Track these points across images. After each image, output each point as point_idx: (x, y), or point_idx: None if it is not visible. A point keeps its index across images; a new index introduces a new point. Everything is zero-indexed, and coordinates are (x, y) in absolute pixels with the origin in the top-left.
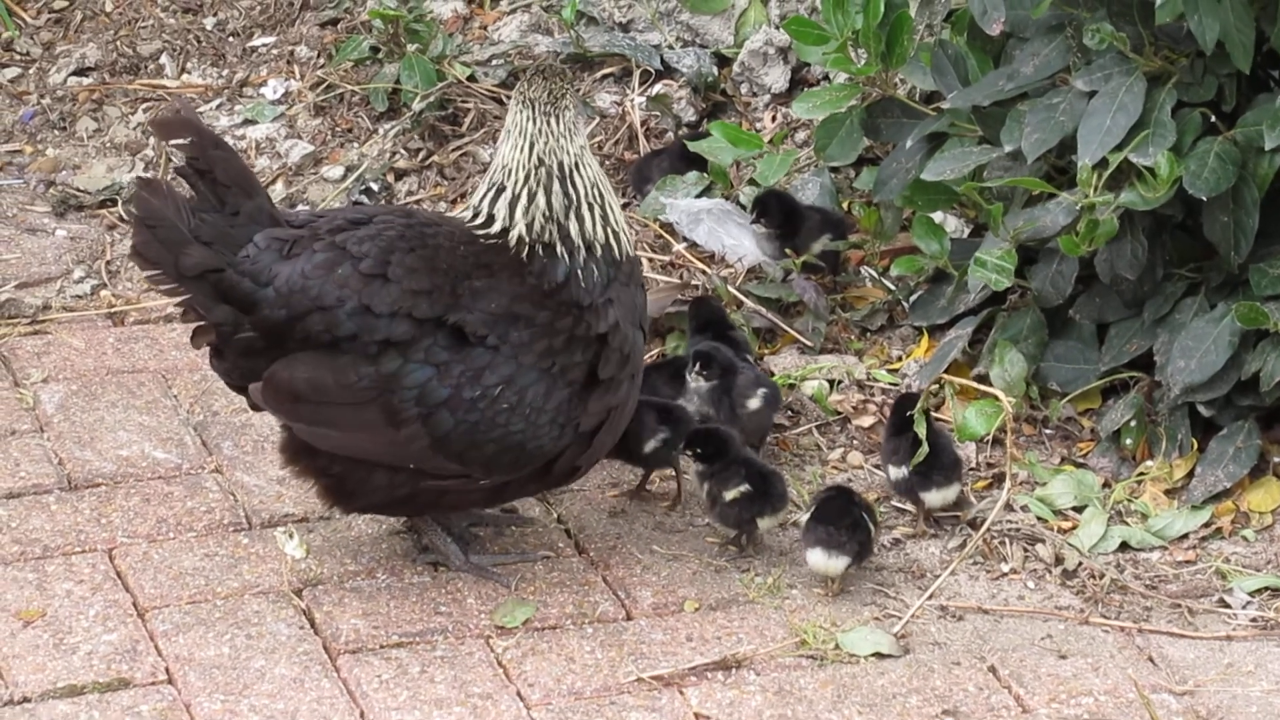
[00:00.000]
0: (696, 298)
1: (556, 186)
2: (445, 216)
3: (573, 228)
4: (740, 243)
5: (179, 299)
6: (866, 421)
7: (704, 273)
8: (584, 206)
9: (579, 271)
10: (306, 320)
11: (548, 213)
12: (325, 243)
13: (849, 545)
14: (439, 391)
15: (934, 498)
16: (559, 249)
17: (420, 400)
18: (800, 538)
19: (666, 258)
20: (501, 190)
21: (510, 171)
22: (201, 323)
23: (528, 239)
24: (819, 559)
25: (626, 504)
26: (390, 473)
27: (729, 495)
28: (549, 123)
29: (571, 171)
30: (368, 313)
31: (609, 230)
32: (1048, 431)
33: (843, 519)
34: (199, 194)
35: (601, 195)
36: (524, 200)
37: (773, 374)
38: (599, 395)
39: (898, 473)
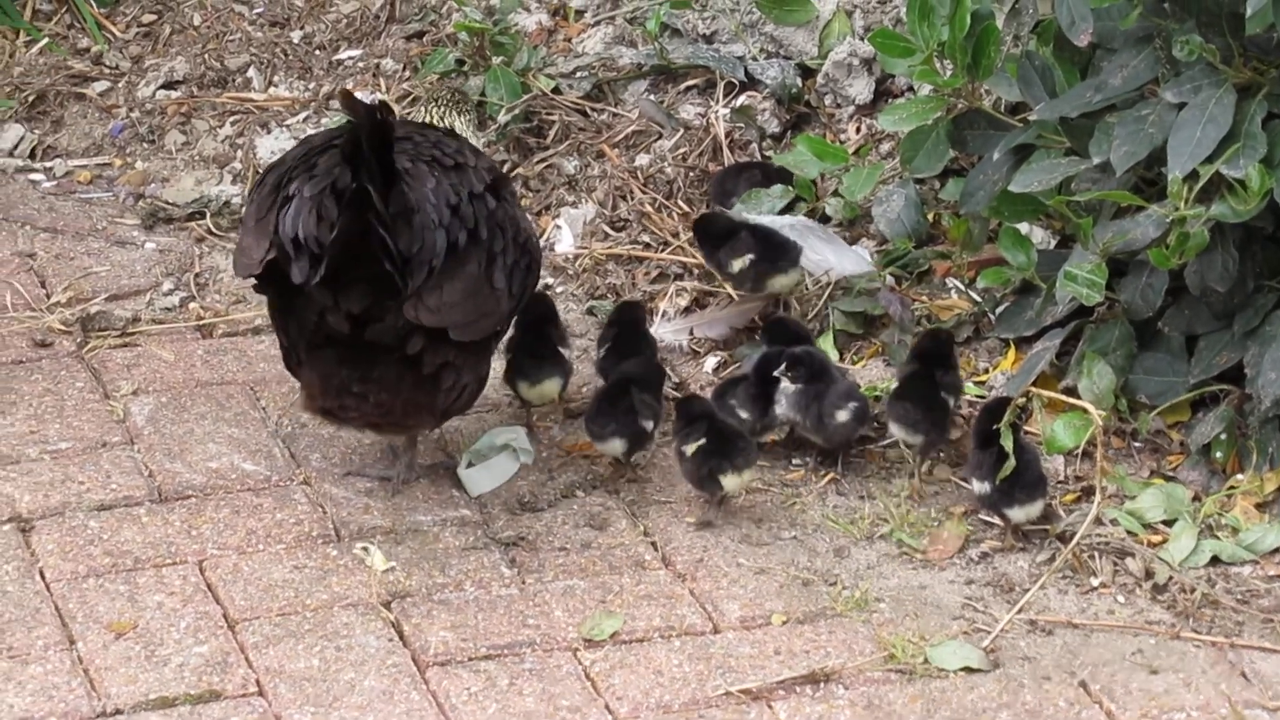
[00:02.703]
0: (774, 317)
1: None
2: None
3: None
4: (824, 257)
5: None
6: (953, 434)
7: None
8: None
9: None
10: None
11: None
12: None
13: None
14: (510, 253)
15: (1018, 514)
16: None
17: (504, 266)
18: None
19: None
20: None
21: None
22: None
23: None
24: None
25: (714, 515)
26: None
27: (688, 450)
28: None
29: None
30: (473, 198)
31: None
32: (1137, 444)
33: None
34: None
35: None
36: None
37: (859, 386)
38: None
39: (982, 487)
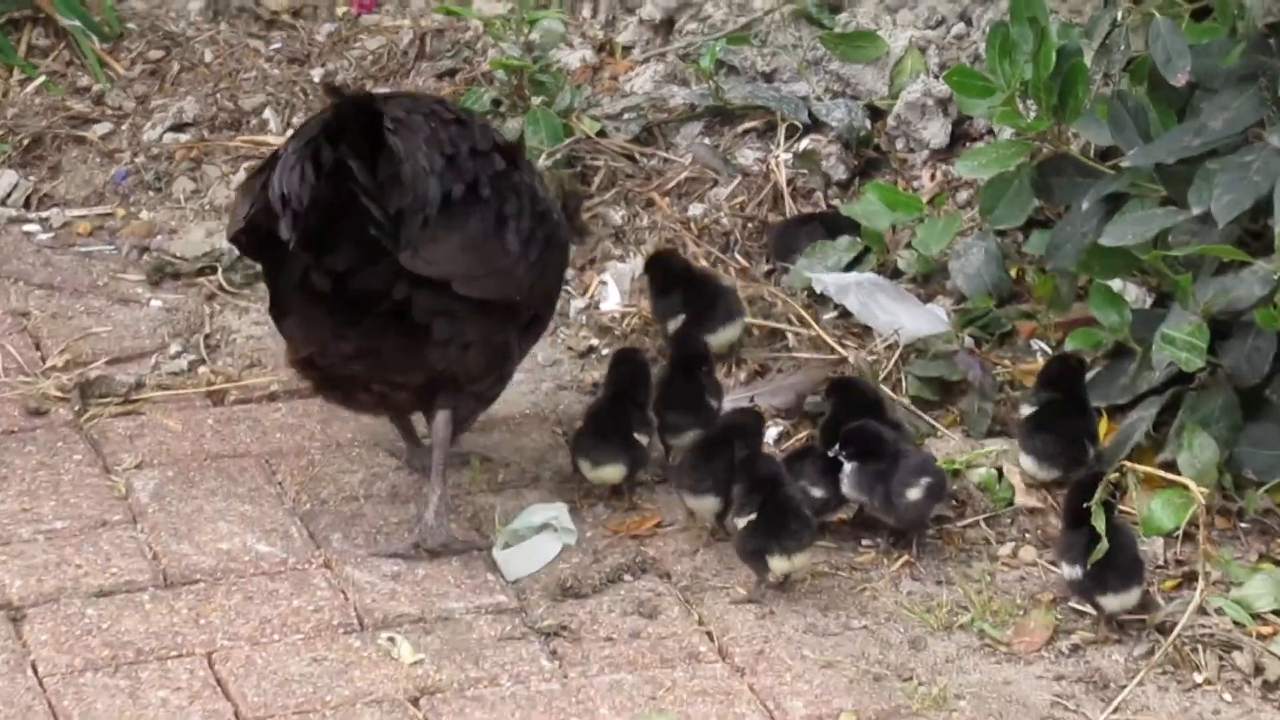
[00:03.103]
0: (838, 379)
1: None
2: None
3: None
4: (895, 317)
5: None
6: (1040, 513)
7: (849, 346)
8: None
9: None
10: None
11: None
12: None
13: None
14: (525, 219)
15: (1113, 602)
16: None
17: (518, 230)
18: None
19: (812, 332)
20: None
21: None
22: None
23: None
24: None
25: (774, 603)
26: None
27: (739, 523)
28: None
29: None
30: (475, 154)
31: None
32: (1243, 525)
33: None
34: None
35: None
36: None
37: (934, 459)
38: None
39: (1073, 572)
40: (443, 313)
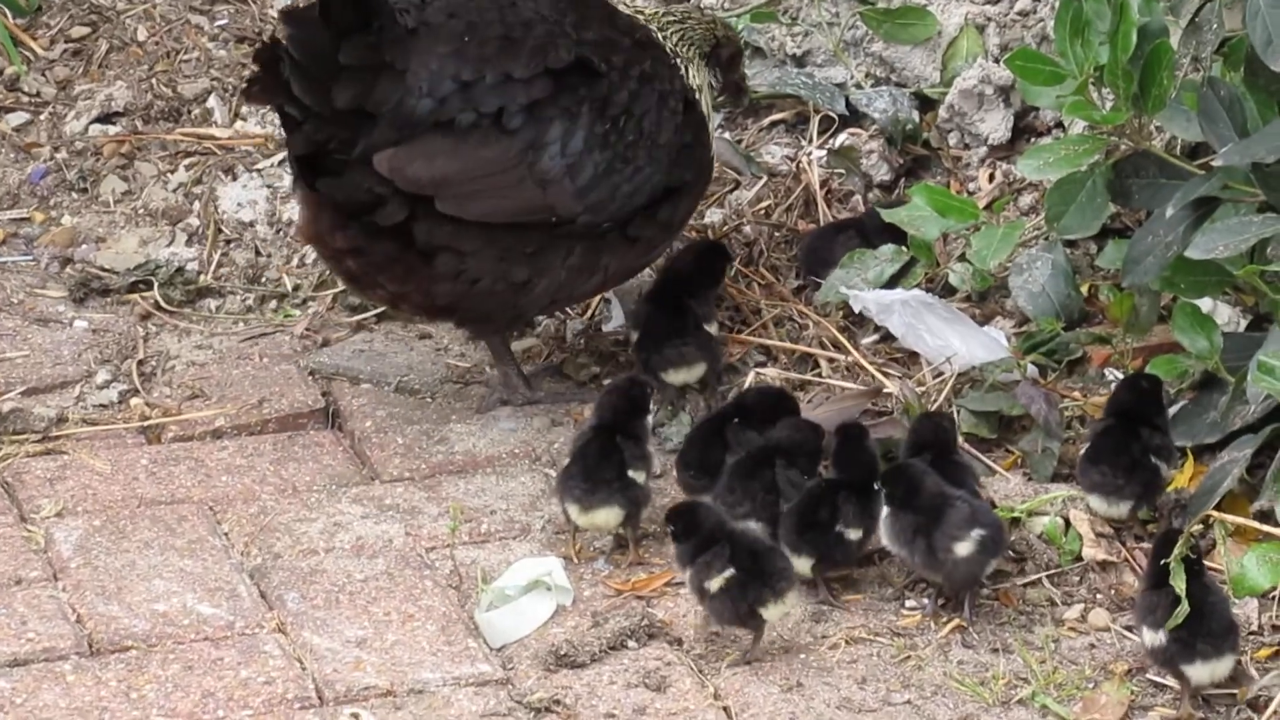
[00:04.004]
0: (923, 414)
1: None
2: None
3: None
4: (946, 341)
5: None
6: (1113, 569)
7: (892, 375)
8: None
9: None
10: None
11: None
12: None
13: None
14: (575, 141)
15: (1199, 672)
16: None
17: (563, 153)
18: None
19: (849, 358)
20: None
21: None
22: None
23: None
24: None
25: (803, 673)
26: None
27: (713, 585)
28: None
29: None
30: (509, 80)
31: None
32: None
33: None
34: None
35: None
36: None
37: (993, 505)
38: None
39: (1154, 638)
40: (428, 224)
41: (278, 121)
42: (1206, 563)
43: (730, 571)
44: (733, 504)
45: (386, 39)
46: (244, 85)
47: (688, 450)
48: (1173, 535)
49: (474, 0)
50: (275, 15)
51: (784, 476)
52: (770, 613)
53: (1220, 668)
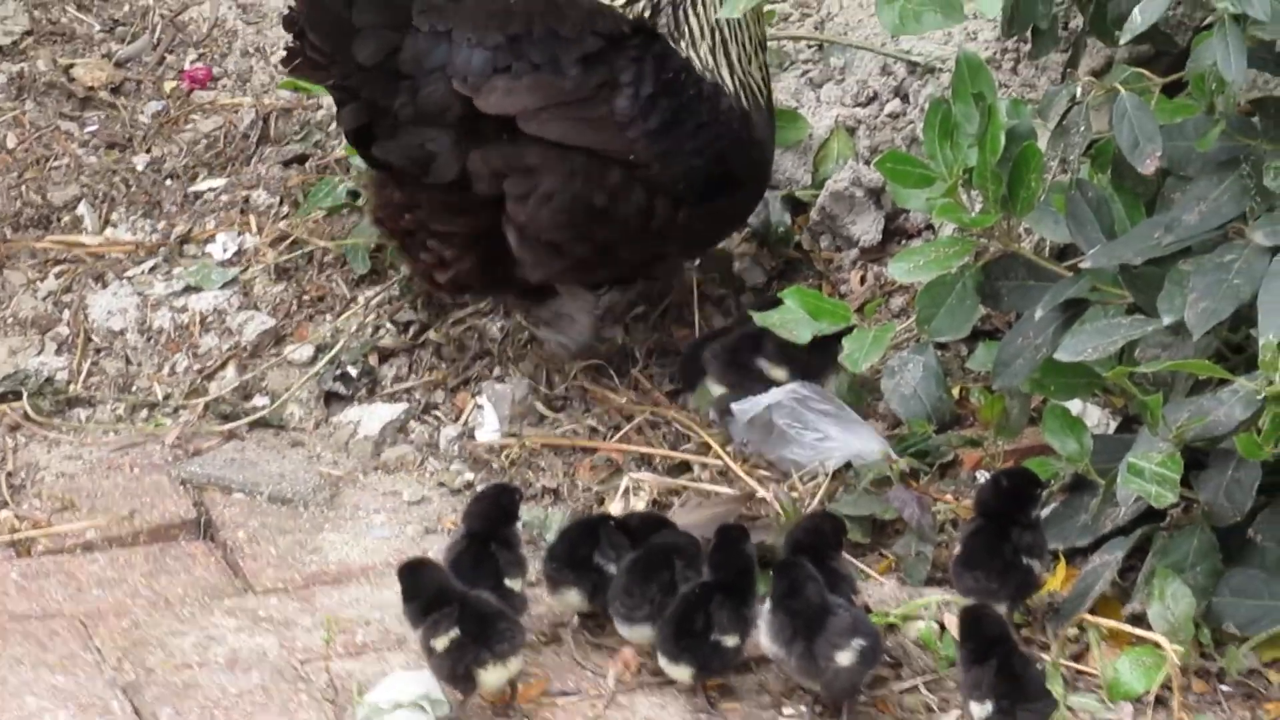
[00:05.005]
0: (809, 515)
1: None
2: None
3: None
4: (826, 435)
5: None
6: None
7: (767, 479)
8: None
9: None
10: (501, 60)
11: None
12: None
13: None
14: (645, 85)
15: None
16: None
17: (637, 95)
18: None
19: (720, 463)
20: None
21: None
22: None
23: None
24: None
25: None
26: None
27: (438, 645)
28: None
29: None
30: (557, 38)
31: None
32: (1225, 688)
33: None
34: None
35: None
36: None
37: (868, 609)
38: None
39: (981, 710)
40: (499, 172)
41: (147, 228)
42: (1081, 667)
43: (455, 632)
44: (631, 607)
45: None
46: (284, 56)
47: (557, 543)
48: (977, 612)
49: None
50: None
51: (683, 577)
52: (488, 675)
53: None
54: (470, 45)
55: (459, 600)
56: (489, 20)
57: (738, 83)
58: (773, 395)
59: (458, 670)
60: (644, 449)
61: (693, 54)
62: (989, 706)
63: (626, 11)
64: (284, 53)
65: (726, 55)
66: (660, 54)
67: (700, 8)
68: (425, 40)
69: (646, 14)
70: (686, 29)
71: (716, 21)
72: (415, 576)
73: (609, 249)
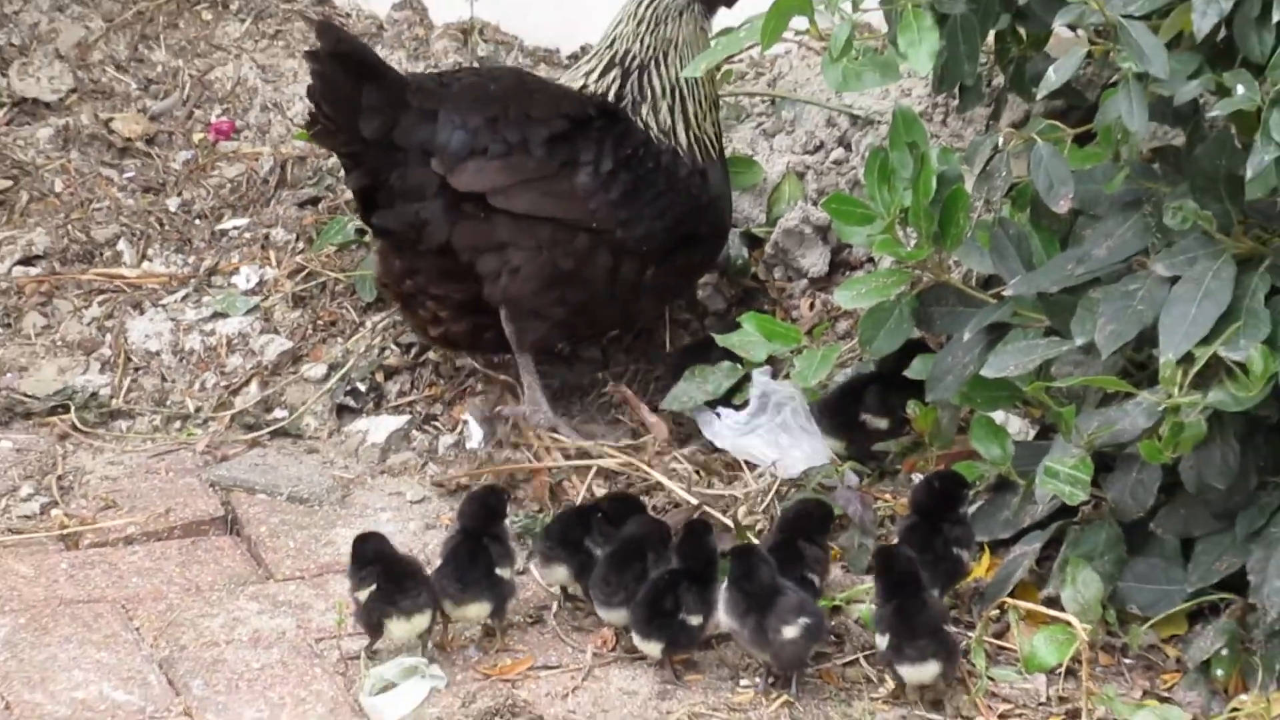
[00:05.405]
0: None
1: (628, 82)
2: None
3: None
4: (789, 452)
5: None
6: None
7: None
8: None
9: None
10: (481, 140)
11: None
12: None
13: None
14: (605, 162)
15: (909, 673)
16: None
17: (597, 171)
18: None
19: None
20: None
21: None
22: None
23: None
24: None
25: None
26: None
27: (361, 596)
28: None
29: (646, 68)
30: (530, 121)
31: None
32: (1127, 661)
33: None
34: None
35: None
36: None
37: (815, 598)
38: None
39: (881, 641)
40: (480, 247)
41: (179, 262)
42: (1002, 643)
43: (373, 587)
44: (609, 594)
45: (412, 89)
46: (306, 120)
47: (552, 525)
48: (887, 551)
49: (494, 76)
50: (176, 167)
51: (654, 566)
52: (394, 626)
53: (926, 671)
54: (453, 127)
55: (383, 562)
56: (471, 105)
57: (693, 138)
58: (765, 417)
59: (371, 619)
60: (628, 459)
61: (653, 115)
62: (886, 639)
63: (599, 80)
64: (307, 116)
65: (684, 112)
66: (621, 133)
67: (663, 69)
68: (414, 119)
69: (616, 81)
70: (649, 91)
71: (676, 80)
72: (360, 545)
73: (584, 309)
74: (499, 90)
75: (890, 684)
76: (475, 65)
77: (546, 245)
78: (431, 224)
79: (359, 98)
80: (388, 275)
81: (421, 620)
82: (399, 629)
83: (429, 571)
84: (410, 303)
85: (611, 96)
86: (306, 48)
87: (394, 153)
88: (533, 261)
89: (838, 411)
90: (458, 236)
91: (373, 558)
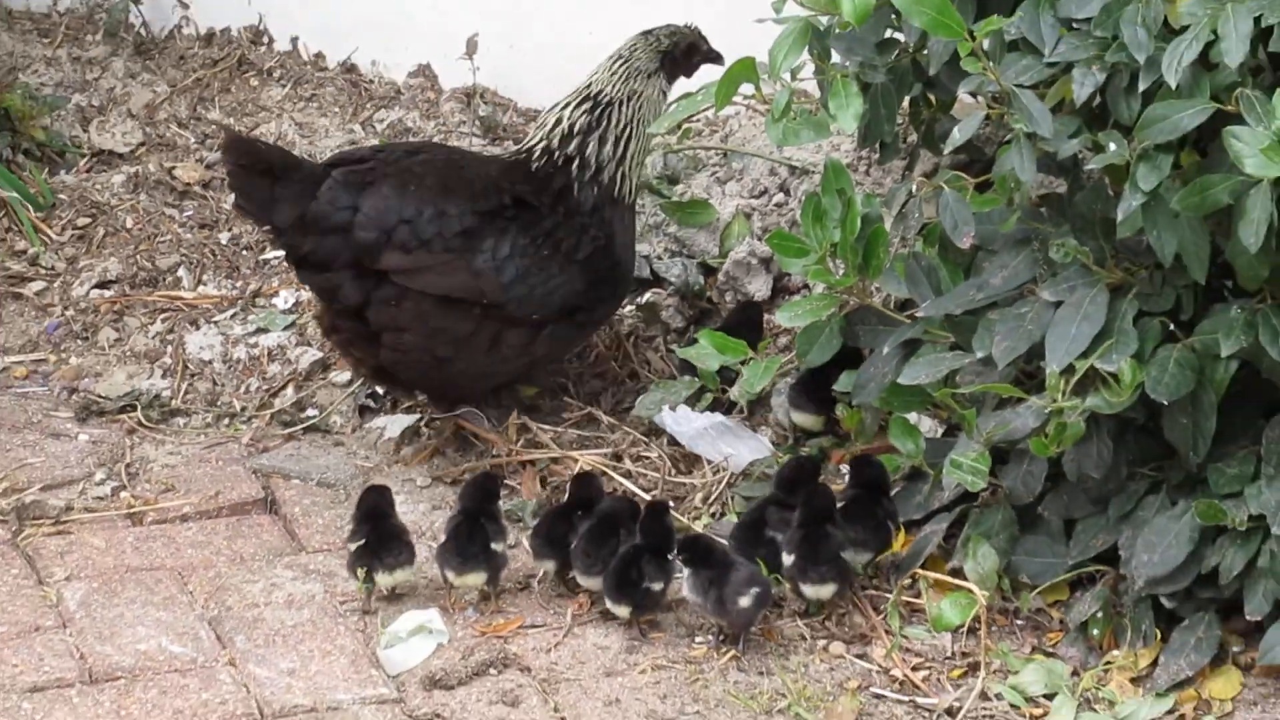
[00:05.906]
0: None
1: (596, 112)
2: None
3: (590, 148)
4: (737, 451)
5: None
6: (849, 613)
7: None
8: (609, 133)
9: (575, 185)
10: (395, 233)
11: (574, 129)
12: (392, 171)
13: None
14: (503, 249)
15: (810, 590)
16: (572, 168)
17: (493, 257)
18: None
19: (652, 455)
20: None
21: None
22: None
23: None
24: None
25: (620, 691)
26: (473, 311)
27: (351, 547)
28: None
29: (614, 104)
30: (444, 216)
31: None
32: (1019, 622)
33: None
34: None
35: (628, 139)
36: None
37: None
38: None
39: (787, 559)
40: (386, 305)
41: (229, 286)
42: (915, 604)
43: (362, 541)
44: (589, 565)
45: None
46: (234, 205)
47: (540, 524)
48: (816, 489)
49: (423, 156)
50: (227, 207)
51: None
52: (379, 580)
53: (825, 590)
54: (367, 229)
55: (374, 519)
56: (391, 194)
57: (621, 174)
58: (706, 419)
59: (356, 569)
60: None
61: (598, 146)
62: (792, 559)
63: (574, 110)
64: (231, 203)
65: (625, 150)
66: (526, 224)
67: (625, 109)
68: (328, 206)
69: (585, 113)
70: (606, 120)
71: (631, 121)
72: (361, 501)
73: (481, 375)
74: (429, 180)
75: (822, 641)
76: (409, 141)
77: (433, 334)
78: (344, 287)
79: (272, 192)
80: (321, 322)
81: (402, 575)
82: (382, 580)
83: (412, 538)
84: (342, 347)
85: (579, 124)
86: (335, 109)
87: (304, 235)
88: (418, 348)
89: (814, 390)
90: (370, 310)
91: (367, 515)
